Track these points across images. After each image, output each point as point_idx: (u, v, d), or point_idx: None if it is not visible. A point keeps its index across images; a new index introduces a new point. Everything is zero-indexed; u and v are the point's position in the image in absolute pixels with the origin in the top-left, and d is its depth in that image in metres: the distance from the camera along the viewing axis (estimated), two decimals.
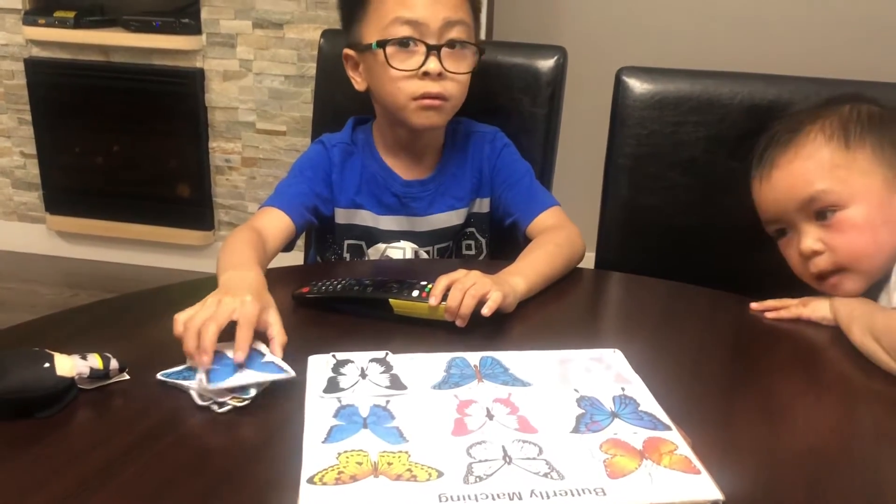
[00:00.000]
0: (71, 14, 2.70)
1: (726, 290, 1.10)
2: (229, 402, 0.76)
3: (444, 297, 0.93)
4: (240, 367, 0.79)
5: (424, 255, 1.25)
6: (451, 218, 1.26)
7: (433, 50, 1.12)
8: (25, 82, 2.84)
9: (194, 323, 0.80)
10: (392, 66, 1.13)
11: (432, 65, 1.12)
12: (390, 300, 0.94)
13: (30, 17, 2.74)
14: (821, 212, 1.00)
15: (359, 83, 1.22)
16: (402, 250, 1.23)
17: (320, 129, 1.45)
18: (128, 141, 2.89)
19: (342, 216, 1.23)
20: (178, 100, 2.78)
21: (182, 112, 2.79)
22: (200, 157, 2.83)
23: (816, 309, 1.02)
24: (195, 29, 2.68)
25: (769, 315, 1.04)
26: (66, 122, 2.88)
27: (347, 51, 1.21)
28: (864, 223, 0.99)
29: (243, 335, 0.80)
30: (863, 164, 1.00)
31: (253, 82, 2.72)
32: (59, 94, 2.85)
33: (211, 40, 2.70)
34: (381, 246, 1.24)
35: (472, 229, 1.28)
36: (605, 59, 1.67)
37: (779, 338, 0.99)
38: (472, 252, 1.30)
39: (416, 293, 0.94)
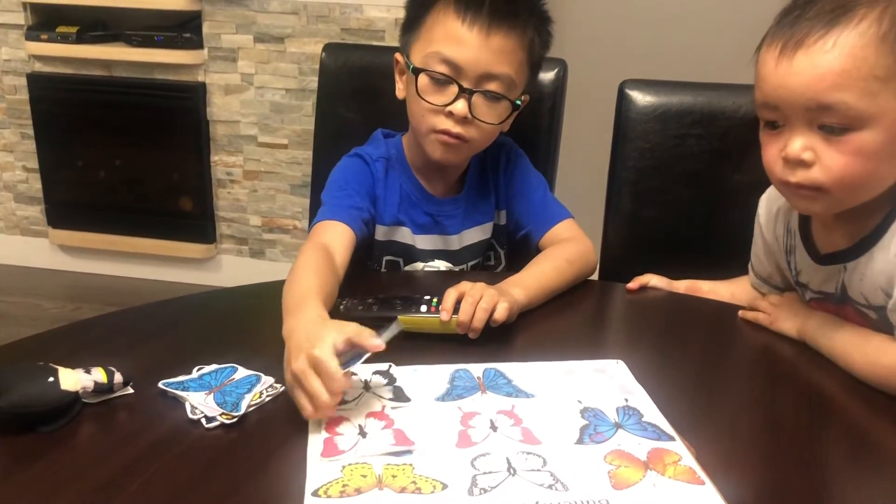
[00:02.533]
0: (73, 29, 2.72)
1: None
2: (219, 417, 0.76)
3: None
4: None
5: None
6: (480, 234, 1.26)
7: (465, 93, 1.09)
8: (28, 97, 2.84)
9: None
10: (421, 97, 1.11)
11: (459, 106, 1.09)
12: (399, 318, 0.93)
13: (32, 33, 2.75)
14: (830, 126, 0.84)
15: (400, 90, 1.20)
16: (436, 269, 1.23)
17: (322, 142, 1.46)
18: (130, 155, 2.90)
19: (382, 233, 1.21)
20: (180, 114, 2.79)
21: (184, 126, 2.80)
22: (202, 171, 2.83)
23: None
24: (197, 43, 2.70)
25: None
26: (69, 136, 2.89)
27: (398, 56, 1.19)
28: (872, 152, 0.83)
29: (330, 389, 0.75)
30: None
31: (254, 96, 2.73)
32: (61, 108, 2.85)
33: (212, 54, 2.71)
34: (419, 265, 1.23)
35: (493, 241, 1.28)
36: (607, 72, 1.68)
37: (783, 348, 0.99)
38: (492, 263, 1.30)
39: (424, 308, 0.94)
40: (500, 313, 0.93)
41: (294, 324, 0.83)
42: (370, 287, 0.90)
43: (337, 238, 1.08)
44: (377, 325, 0.91)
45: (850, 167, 0.84)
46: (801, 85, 0.84)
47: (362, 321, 0.89)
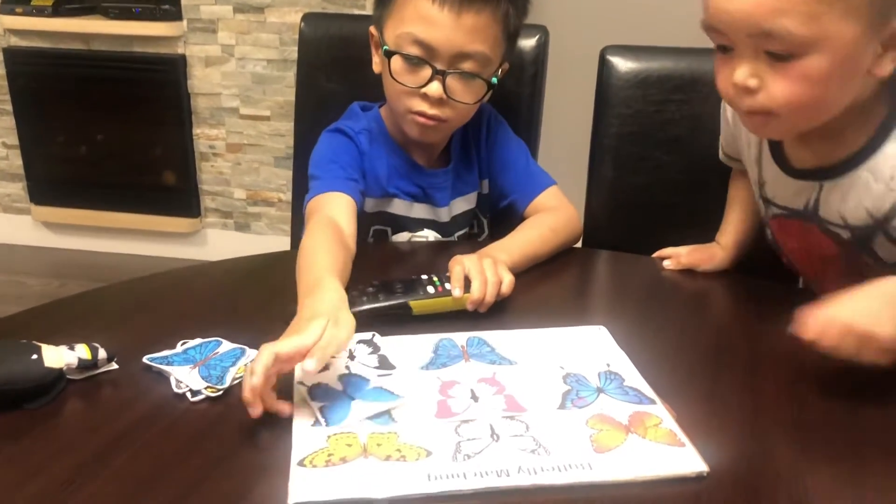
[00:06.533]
0: (49, 2, 2.67)
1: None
2: (204, 391, 0.76)
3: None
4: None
5: None
6: (466, 204, 1.26)
7: (439, 74, 1.07)
8: (5, 72, 2.81)
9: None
10: (395, 79, 1.10)
11: (434, 88, 1.08)
12: (410, 303, 0.92)
13: (6, 6, 2.71)
14: (775, 53, 0.82)
15: (377, 64, 1.18)
16: (424, 239, 1.23)
17: (304, 113, 1.45)
18: (111, 129, 2.87)
19: (371, 205, 1.20)
20: (161, 87, 2.76)
21: (165, 99, 2.77)
22: (185, 144, 2.81)
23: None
24: (176, 15, 2.66)
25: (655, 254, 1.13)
26: (49, 111, 2.86)
27: (373, 29, 1.17)
28: (818, 77, 0.81)
29: (319, 354, 0.73)
30: (848, 3, 0.79)
31: (235, 67, 2.70)
32: (39, 83, 2.82)
33: (192, 26, 2.68)
34: (406, 234, 1.22)
35: (476, 210, 1.28)
36: (588, 38, 1.67)
37: (762, 311, 1.00)
38: (475, 231, 1.30)
39: (431, 290, 0.93)
40: (507, 287, 0.95)
41: (311, 304, 0.81)
42: (357, 267, 0.89)
43: (342, 210, 1.07)
44: (388, 313, 0.91)
45: (795, 94, 0.83)
46: (741, 11, 0.81)
47: (372, 313, 0.89)
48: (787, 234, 1.04)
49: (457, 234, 1.26)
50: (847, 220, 0.94)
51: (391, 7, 1.12)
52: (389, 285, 0.93)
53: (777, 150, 1.00)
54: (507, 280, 0.95)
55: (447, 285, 0.93)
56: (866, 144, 0.90)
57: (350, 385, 0.77)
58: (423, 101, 1.10)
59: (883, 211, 0.91)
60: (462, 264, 0.95)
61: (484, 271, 0.94)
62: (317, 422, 0.72)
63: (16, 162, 2.95)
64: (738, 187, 1.17)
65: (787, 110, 0.85)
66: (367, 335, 0.86)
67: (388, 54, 1.10)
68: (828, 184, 0.94)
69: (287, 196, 2.81)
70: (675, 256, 1.12)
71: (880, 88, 0.88)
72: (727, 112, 1.10)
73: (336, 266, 0.92)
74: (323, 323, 0.74)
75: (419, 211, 1.23)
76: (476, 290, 0.92)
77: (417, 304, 0.92)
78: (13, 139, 2.91)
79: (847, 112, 0.88)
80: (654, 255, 1.14)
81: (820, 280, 1.06)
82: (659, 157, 1.28)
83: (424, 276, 0.95)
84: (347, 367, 0.80)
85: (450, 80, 1.09)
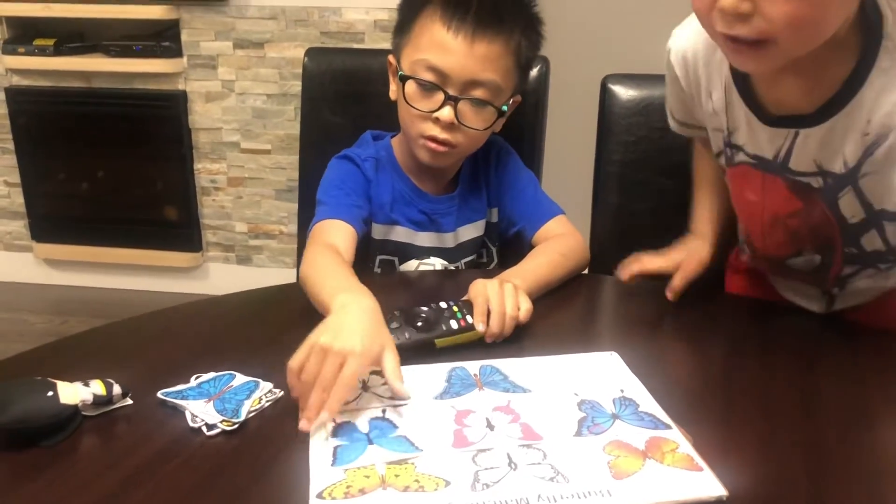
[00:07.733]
0: (51, 42, 2.70)
1: (718, 289, 1.11)
2: (219, 424, 0.76)
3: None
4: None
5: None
6: (474, 231, 1.27)
7: (451, 100, 1.10)
8: (7, 111, 2.83)
9: (307, 377, 0.76)
10: (408, 104, 1.13)
11: (445, 113, 1.10)
12: (436, 341, 0.92)
13: (9, 46, 2.74)
14: None
15: (392, 91, 1.20)
16: (431, 266, 1.24)
17: (308, 147, 1.46)
18: (113, 166, 2.89)
19: (378, 232, 1.22)
20: (162, 123, 2.78)
21: (166, 135, 2.79)
22: (186, 179, 2.83)
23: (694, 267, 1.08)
24: (176, 52, 2.69)
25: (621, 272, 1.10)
26: (50, 149, 2.88)
27: (391, 58, 1.20)
28: None
29: (336, 397, 0.75)
30: None
31: (236, 102, 2.73)
32: (41, 121, 2.84)
33: (192, 62, 2.71)
34: (414, 262, 1.24)
35: (485, 238, 1.30)
36: (590, 67, 1.69)
37: (774, 332, 1.00)
38: (484, 260, 1.31)
39: (454, 325, 0.93)
40: (525, 315, 0.95)
41: (350, 299, 0.86)
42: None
43: (341, 237, 1.10)
44: (415, 348, 0.90)
45: (797, 12, 0.76)
46: None
47: (400, 350, 0.87)
48: (746, 185, 0.99)
49: (463, 261, 1.27)
50: (823, 166, 0.89)
51: (408, 35, 1.15)
52: (411, 319, 0.92)
53: (749, 95, 0.94)
54: (525, 308, 0.95)
55: (469, 318, 0.93)
56: (842, 88, 0.86)
57: (375, 429, 0.76)
58: (434, 125, 1.12)
59: (856, 158, 0.88)
60: (484, 294, 0.95)
61: (504, 303, 0.94)
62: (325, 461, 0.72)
63: (17, 200, 2.96)
64: (704, 163, 1.15)
65: (787, 32, 0.78)
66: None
67: (403, 79, 1.13)
68: (805, 131, 0.89)
69: (288, 228, 2.82)
70: (639, 263, 1.09)
71: (855, 20, 0.84)
72: (677, 70, 1.05)
73: (354, 276, 0.96)
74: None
75: (424, 239, 1.24)
76: (494, 325, 0.93)
77: (442, 341, 0.92)
78: (15, 177, 2.93)
79: (825, 45, 0.82)
80: (618, 267, 1.11)
81: (759, 237, 1.05)
82: (663, 182, 1.30)
83: (444, 305, 0.95)
84: (383, 412, 0.79)
85: (461, 106, 1.11)
